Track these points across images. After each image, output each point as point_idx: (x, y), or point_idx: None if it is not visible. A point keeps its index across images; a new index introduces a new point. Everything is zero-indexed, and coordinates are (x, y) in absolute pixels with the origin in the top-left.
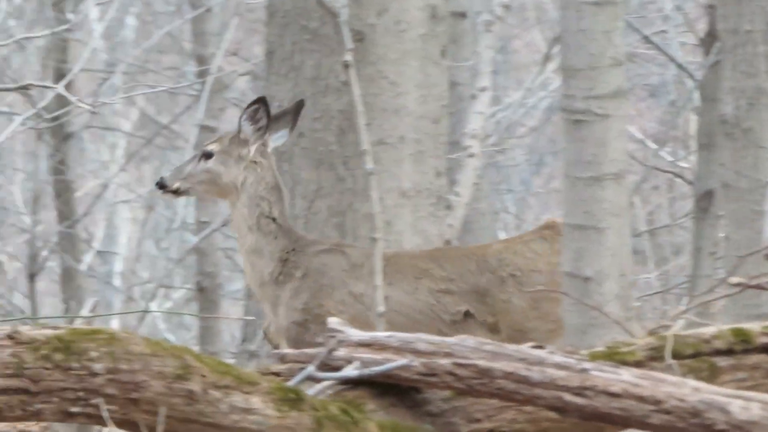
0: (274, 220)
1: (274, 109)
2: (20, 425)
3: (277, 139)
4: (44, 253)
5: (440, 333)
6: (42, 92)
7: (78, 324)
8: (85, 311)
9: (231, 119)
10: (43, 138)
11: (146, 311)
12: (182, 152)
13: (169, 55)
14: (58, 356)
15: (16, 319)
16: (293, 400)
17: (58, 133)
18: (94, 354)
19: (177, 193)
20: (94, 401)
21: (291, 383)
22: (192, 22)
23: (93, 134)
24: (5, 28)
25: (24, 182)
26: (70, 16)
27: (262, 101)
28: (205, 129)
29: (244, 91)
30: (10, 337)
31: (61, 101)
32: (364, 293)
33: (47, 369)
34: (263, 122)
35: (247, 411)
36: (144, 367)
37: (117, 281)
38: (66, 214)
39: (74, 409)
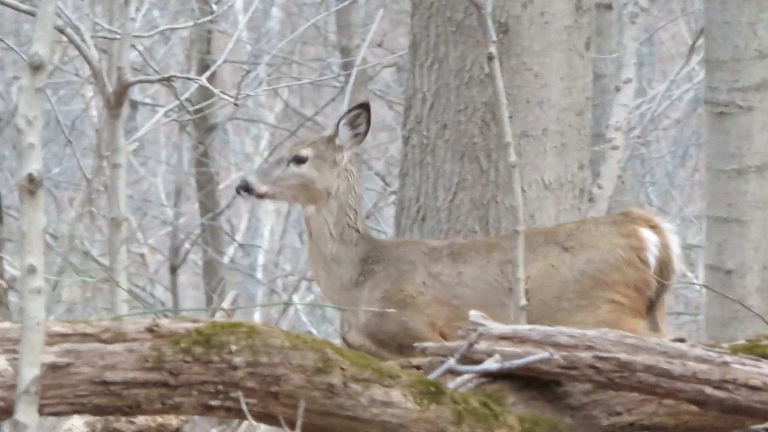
0: (357, 230)
1: (417, 102)
2: (159, 419)
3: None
4: (187, 245)
5: (500, 303)
6: (185, 84)
7: (219, 317)
8: (226, 304)
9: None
10: (187, 130)
11: (288, 303)
12: None
13: (313, 47)
14: (198, 349)
15: (156, 311)
16: (433, 393)
17: (202, 125)
18: (234, 347)
19: (262, 197)
20: (233, 394)
21: (431, 376)
22: (337, 13)
23: (236, 126)
24: (150, 19)
25: (167, 174)
26: (214, 7)
27: (365, 107)
28: None
29: (388, 82)
30: (149, 330)
31: (204, 93)
32: (441, 272)
33: (187, 362)
34: (362, 129)
35: (387, 404)
36: (284, 361)
37: (259, 274)
38: (209, 206)
39: (214, 403)
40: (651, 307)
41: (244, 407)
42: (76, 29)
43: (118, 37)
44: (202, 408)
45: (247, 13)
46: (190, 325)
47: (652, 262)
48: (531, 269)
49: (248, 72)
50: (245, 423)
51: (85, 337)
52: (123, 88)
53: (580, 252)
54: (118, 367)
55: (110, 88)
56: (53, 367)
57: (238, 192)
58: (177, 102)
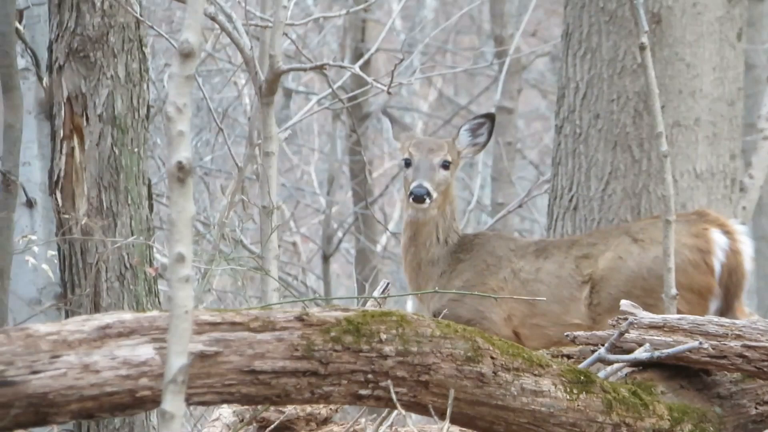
0: (457, 233)
1: (570, 91)
2: (308, 408)
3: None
4: (339, 234)
5: (572, 297)
6: (339, 72)
7: (370, 306)
8: (377, 293)
9: (529, 100)
10: (340, 118)
11: (438, 291)
12: None
13: (467, 36)
14: (348, 338)
15: (307, 300)
16: (584, 382)
17: (355, 114)
18: (384, 336)
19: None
20: (383, 384)
21: (582, 366)
22: (491, 2)
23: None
24: (304, 7)
25: (320, 163)
26: None
27: (489, 117)
28: (502, 110)
29: (542, 72)
30: (299, 318)
31: (358, 81)
32: (522, 269)
33: (337, 351)
34: (483, 138)
35: (537, 393)
36: (434, 350)
37: None
38: (362, 195)
39: (363, 392)
40: (722, 314)
41: (394, 396)
42: (229, 17)
43: (271, 24)
44: (352, 397)
45: (401, 1)
46: (340, 314)
47: (718, 267)
48: (601, 260)
49: (402, 60)
50: (395, 412)
51: (234, 325)
52: (275, 76)
53: (650, 247)
54: (267, 356)
55: (262, 76)
56: (201, 356)
57: (420, 200)
58: (330, 90)
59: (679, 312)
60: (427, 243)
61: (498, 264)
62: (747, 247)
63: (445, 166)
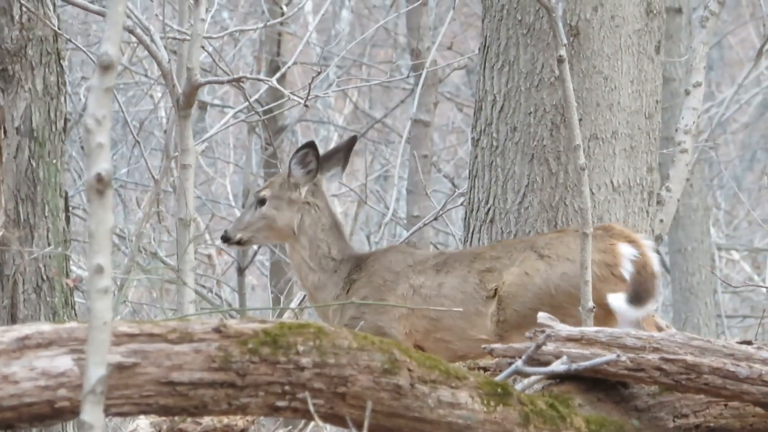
0: (332, 258)
1: (487, 104)
2: (225, 419)
3: (331, 178)
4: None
5: (477, 312)
6: (255, 85)
7: (287, 318)
8: (294, 304)
9: (444, 113)
10: (256, 131)
11: (358, 303)
12: (395, 146)
13: (383, 49)
14: (265, 350)
15: (224, 311)
16: (501, 395)
17: (271, 127)
18: (301, 348)
19: (241, 243)
20: (300, 395)
21: (499, 378)
22: (407, 15)
23: (306, 127)
24: (219, 20)
25: (235, 175)
26: (284, 8)
27: (311, 146)
28: (418, 123)
29: (458, 85)
30: (217, 330)
31: (274, 94)
32: (423, 285)
33: (254, 363)
34: (312, 165)
35: (454, 406)
36: (351, 362)
37: None
38: None
39: (280, 403)
40: (640, 299)
41: (312, 408)
42: (146, 30)
43: (188, 38)
44: (269, 409)
45: (317, 15)
46: (257, 326)
47: (627, 278)
48: (507, 275)
49: (319, 74)
50: (312, 424)
51: (151, 337)
52: (193, 89)
53: (556, 263)
54: (184, 368)
55: (180, 89)
56: (119, 367)
57: (223, 241)
58: (246, 103)
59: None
60: (302, 272)
61: (396, 280)
62: (654, 262)
63: (260, 202)
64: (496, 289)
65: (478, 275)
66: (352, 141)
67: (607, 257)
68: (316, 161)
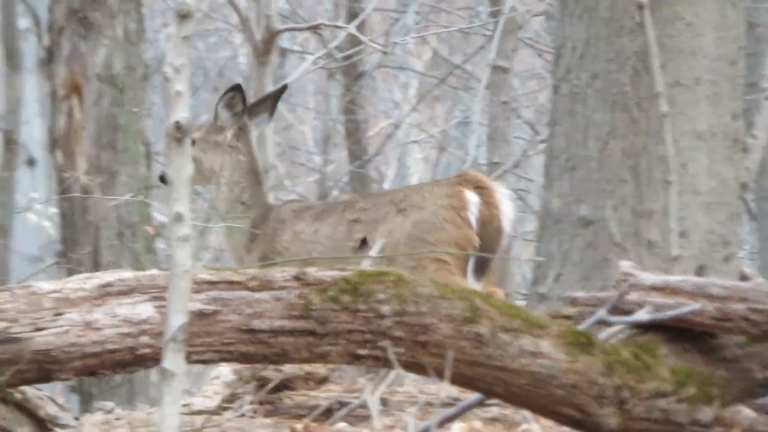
0: (242, 203)
1: (567, 51)
2: (307, 367)
3: (258, 123)
4: (335, 192)
5: (343, 260)
6: (334, 32)
7: (367, 265)
8: (374, 252)
9: (524, 59)
10: (335, 78)
11: (437, 251)
12: (474, 92)
13: None
14: (346, 298)
15: (304, 259)
16: (584, 344)
17: (350, 73)
18: (381, 296)
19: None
20: (381, 344)
21: (582, 327)
22: None
23: (385, 74)
24: None
25: (315, 122)
26: None
27: (237, 89)
28: (497, 69)
29: (537, 31)
30: (296, 278)
31: (353, 41)
32: (302, 231)
33: (334, 311)
34: (239, 108)
35: (536, 355)
36: (432, 310)
37: None
38: (357, 153)
39: (361, 352)
40: (483, 267)
41: (392, 356)
42: None
43: None
44: (350, 357)
45: None
46: (337, 274)
47: (473, 221)
48: (376, 232)
49: (397, 20)
50: (393, 372)
51: (232, 284)
52: (271, 36)
53: (410, 214)
54: (265, 315)
55: (258, 36)
56: (200, 315)
57: (160, 180)
58: (326, 50)
59: (443, 265)
60: (219, 213)
61: (282, 227)
62: (506, 207)
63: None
64: (363, 239)
65: (348, 225)
66: (282, 90)
67: (454, 201)
68: (242, 104)
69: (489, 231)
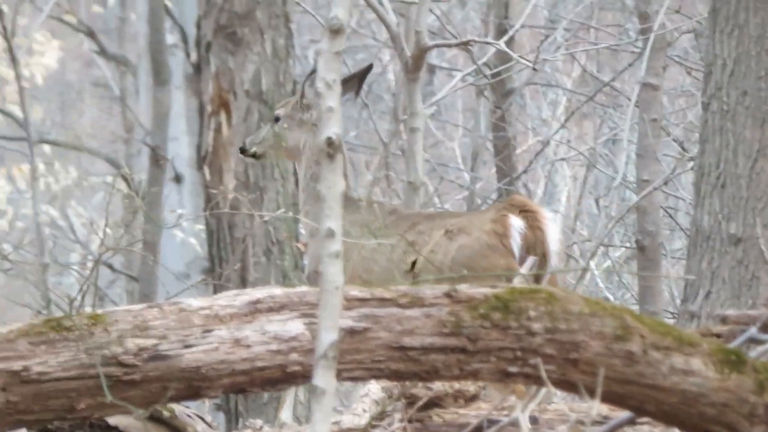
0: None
1: (717, 68)
2: (456, 384)
3: (344, 102)
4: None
5: (397, 281)
6: (482, 48)
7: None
8: (524, 270)
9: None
10: (484, 94)
11: (585, 269)
12: (623, 110)
13: (611, 12)
14: (497, 315)
15: (452, 277)
16: (734, 362)
17: (499, 90)
18: (532, 313)
19: (255, 156)
20: (531, 361)
21: (732, 345)
22: None
23: (534, 91)
24: None
25: (464, 138)
26: None
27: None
28: (647, 86)
29: (686, 49)
30: (448, 295)
31: (502, 57)
32: (364, 247)
33: (485, 328)
34: None
35: (687, 373)
36: (583, 327)
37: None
38: (505, 170)
39: (512, 369)
40: None
41: (543, 374)
42: None
43: (416, 1)
44: (500, 374)
45: None
46: (488, 291)
47: (515, 249)
48: (422, 252)
49: (547, 37)
50: (543, 390)
51: (382, 301)
52: (421, 52)
53: (455, 238)
54: (416, 332)
55: (408, 52)
56: (351, 332)
57: (240, 152)
58: (475, 66)
59: None
60: (300, 192)
61: (349, 246)
62: (550, 228)
63: (275, 120)
64: (414, 263)
65: (405, 246)
66: (368, 69)
67: (497, 227)
68: None
69: (534, 255)
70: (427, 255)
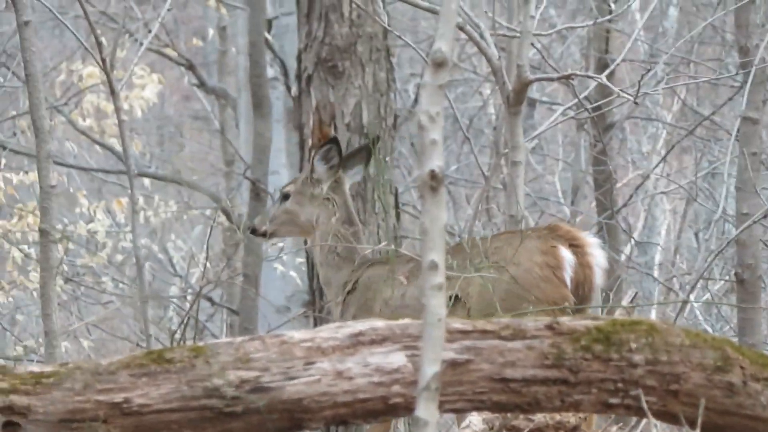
0: (337, 255)
1: None
2: (557, 416)
3: (353, 175)
4: None
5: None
6: (583, 82)
7: (618, 314)
8: (625, 302)
9: None
10: (585, 128)
11: (685, 301)
12: (723, 143)
13: (710, 46)
14: (598, 347)
15: (555, 308)
16: None
17: (600, 124)
18: (633, 345)
19: (266, 235)
20: (633, 392)
21: None
22: (735, 12)
23: (634, 124)
24: (546, 17)
25: (564, 172)
26: (612, 6)
27: (334, 141)
28: (746, 120)
29: None
30: (549, 327)
31: (602, 91)
32: (391, 297)
33: (587, 360)
34: (335, 161)
35: None
36: (683, 359)
37: (656, 272)
38: (605, 204)
39: (613, 401)
40: None
41: (644, 405)
42: (476, 26)
43: (518, 35)
44: (602, 406)
45: (645, 12)
46: (590, 323)
47: (569, 281)
48: (471, 287)
49: (649, 71)
50: (644, 421)
51: (484, 333)
52: (523, 86)
53: (504, 269)
54: (517, 364)
55: (510, 86)
56: (453, 364)
57: (251, 232)
58: (576, 100)
59: None
60: (316, 264)
61: (373, 298)
62: (598, 261)
63: (284, 196)
64: (456, 296)
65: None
66: (373, 142)
67: (549, 259)
68: (339, 157)
69: (582, 290)
70: (481, 287)
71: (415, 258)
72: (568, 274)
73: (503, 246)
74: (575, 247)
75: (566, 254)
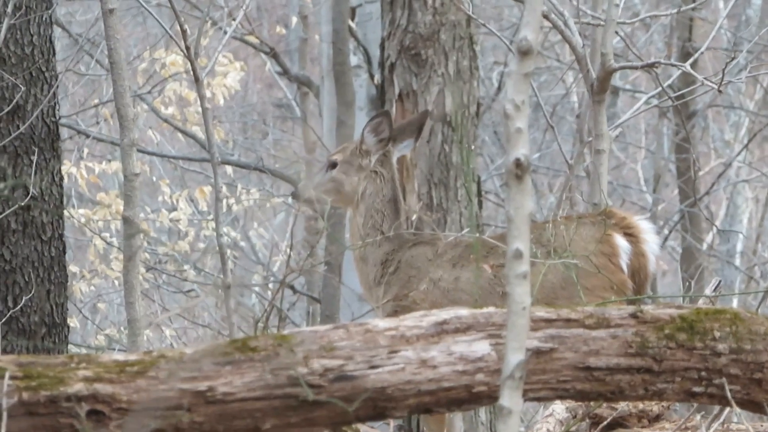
0: (381, 232)
1: None
2: (640, 405)
3: (402, 149)
4: (665, 231)
5: (494, 306)
6: (666, 70)
7: (700, 303)
8: (709, 291)
9: None
10: (667, 116)
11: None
12: None
13: None
14: (682, 336)
15: (638, 297)
16: None
17: (683, 112)
18: (717, 334)
19: (309, 202)
20: (716, 381)
21: None
22: None
23: (716, 113)
24: (630, 5)
25: (646, 160)
26: None
27: (385, 114)
28: None
29: None
30: (633, 316)
31: (685, 80)
32: (441, 278)
33: (670, 348)
34: (385, 134)
35: None
36: (767, 348)
37: (737, 260)
38: (688, 192)
39: (697, 389)
40: None
41: (728, 394)
42: (560, 15)
43: (602, 23)
44: (685, 394)
45: (729, 0)
46: (674, 312)
47: (625, 267)
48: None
49: (733, 59)
50: (727, 410)
51: (568, 322)
52: (607, 74)
53: (561, 257)
54: (601, 353)
55: (594, 74)
56: (537, 352)
57: (293, 198)
58: (659, 88)
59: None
60: (353, 239)
61: (417, 275)
62: (651, 246)
63: (332, 165)
64: None
65: (492, 271)
66: (425, 115)
67: (604, 247)
68: (389, 130)
69: (638, 277)
70: (537, 276)
71: (465, 242)
72: (624, 262)
73: (557, 234)
74: (629, 235)
75: (621, 242)
